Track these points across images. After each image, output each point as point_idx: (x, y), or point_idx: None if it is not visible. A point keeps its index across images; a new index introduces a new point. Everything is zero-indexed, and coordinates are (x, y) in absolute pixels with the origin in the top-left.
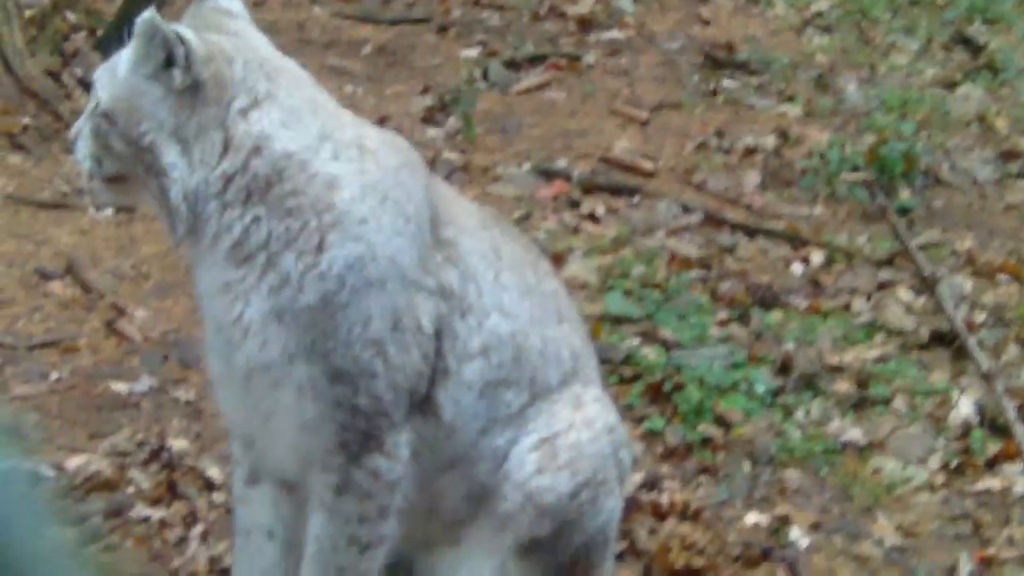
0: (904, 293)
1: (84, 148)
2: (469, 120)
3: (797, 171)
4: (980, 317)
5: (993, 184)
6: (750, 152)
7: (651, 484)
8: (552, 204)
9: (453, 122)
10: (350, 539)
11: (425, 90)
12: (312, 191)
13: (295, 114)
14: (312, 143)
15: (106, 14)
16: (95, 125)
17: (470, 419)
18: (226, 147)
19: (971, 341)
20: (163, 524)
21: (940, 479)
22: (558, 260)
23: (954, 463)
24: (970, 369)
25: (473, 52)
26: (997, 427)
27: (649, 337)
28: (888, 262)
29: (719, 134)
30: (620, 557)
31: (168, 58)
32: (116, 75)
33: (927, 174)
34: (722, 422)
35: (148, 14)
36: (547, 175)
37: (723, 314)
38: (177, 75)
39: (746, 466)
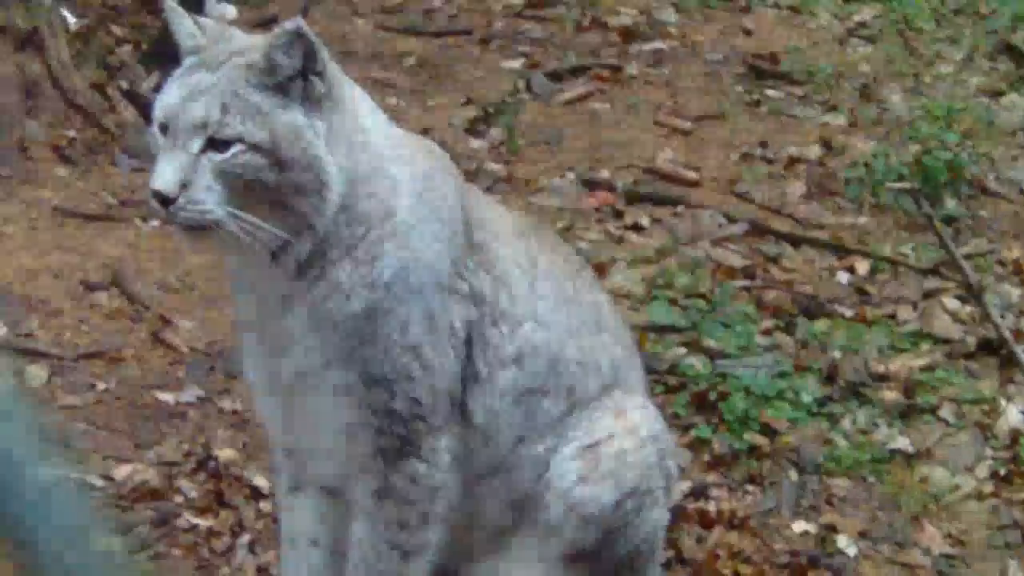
0: (950, 302)
1: (210, 194)
2: (512, 132)
3: (841, 181)
4: None
5: None
6: (794, 162)
7: (698, 493)
8: (596, 215)
9: (496, 134)
10: (392, 545)
11: (468, 102)
12: (381, 194)
13: (372, 107)
14: (388, 140)
15: (151, 28)
16: (232, 166)
17: (505, 426)
18: (349, 149)
19: (1018, 349)
20: (211, 533)
21: (988, 487)
22: (602, 270)
23: (1002, 471)
24: (1018, 377)
25: (516, 64)
26: None
27: (694, 347)
28: (934, 271)
29: (763, 144)
30: (667, 566)
31: (304, 67)
32: (243, 100)
33: (972, 183)
34: (768, 431)
35: (296, 23)
36: (591, 186)
37: (768, 323)
38: (317, 82)
39: (793, 474)
